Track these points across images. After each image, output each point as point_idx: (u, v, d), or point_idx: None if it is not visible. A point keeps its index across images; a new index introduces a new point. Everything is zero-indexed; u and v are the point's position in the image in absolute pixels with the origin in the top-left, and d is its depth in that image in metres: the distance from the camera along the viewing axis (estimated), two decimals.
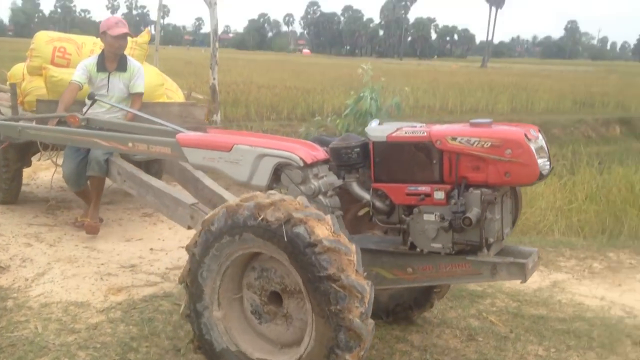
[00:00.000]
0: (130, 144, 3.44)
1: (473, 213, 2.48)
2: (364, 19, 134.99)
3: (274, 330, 2.63)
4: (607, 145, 14.58)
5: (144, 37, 5.62)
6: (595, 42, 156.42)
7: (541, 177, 2.47)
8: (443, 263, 2.61)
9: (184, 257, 4.45)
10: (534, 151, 2.43)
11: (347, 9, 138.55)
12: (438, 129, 2.68)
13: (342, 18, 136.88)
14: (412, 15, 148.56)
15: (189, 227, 3.46)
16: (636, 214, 6.67)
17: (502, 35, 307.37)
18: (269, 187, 2.85)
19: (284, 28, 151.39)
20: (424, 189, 2.66)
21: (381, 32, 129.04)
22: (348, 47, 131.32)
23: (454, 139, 2.60)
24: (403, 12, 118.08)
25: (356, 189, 2.86)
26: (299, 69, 31.36)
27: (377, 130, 2.80)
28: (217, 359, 2.62)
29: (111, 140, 3.57)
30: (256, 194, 2.49)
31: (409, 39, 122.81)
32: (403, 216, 2.69)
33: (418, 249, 2.63)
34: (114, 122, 4.38)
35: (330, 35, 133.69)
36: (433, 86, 23.02)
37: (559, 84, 28.48)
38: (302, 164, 2.77)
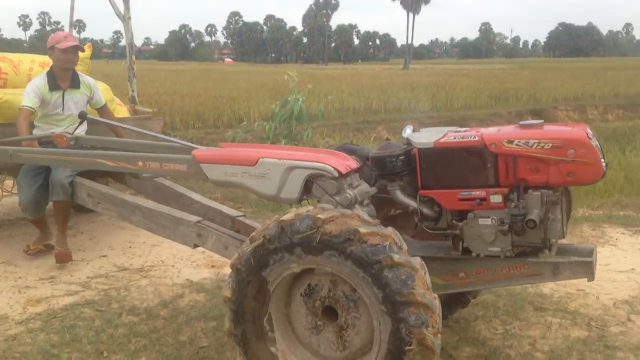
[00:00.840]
0: (140, 163, 3.27)
1: (535, 214, 2.47)
2: (287, 27, 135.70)
3: (324, 344, 2.54)
4: None
5: (86, 51, 5.44)
6: (508, 41, 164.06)
7: (604, 175, 2.48)
8: (500, 266, 2.58)
9: (105, 266, 4.49)
10: (597, 150, 2.43)
11: (269, 18, 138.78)
12: (491, 132, 2.65)
13: (264, 27, 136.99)
14: (334, 22, 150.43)
15: (196, 246, 3.31)
16: None
17: (421, 38, 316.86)
18: (300, 199, 2.81)
19: (207, 38, 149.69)
20: (479, 193, 2.61)
21: (305, 40, 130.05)
22: (273, 55, 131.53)
23: (510, 142, 2.56)
24: (325, 19, 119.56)
25: (400, 196, 2.80)
26: (223, 77, 31.15)
27: (422, 137, 2.75)
28: None
29: (119, 160, 3.41)
30: (310, 209, 2.41)
31: (332, 45, 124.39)
32: (454, 221, 2.64)
33: (473, 254, 2.61)
34: (106, 140, 4.14)
35: (254, 44, 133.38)
36: (357, 88, 23.49)
37: (475, 81, 29.67)
38: (336, 174, 2.69)
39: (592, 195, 6.84)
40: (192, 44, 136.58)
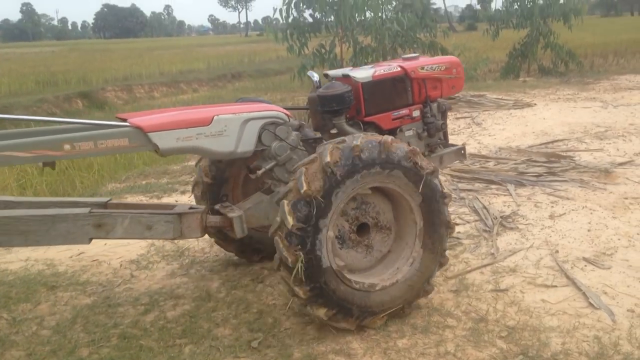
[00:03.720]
0: (67, 146, 2.60)
1: (439, 120, 3.69)
2: None
3: (350, 256, 3.02)
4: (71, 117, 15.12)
5: None
6: (55, 22, 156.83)
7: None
8: None
9: None
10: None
11: None
12: (407, 63, 3.59)
13: None
14: None
15: (90, 240, 2.81)
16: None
17: None
18: (254, 151, 3.02)
19: None
20: (405, 111, 3.60)
21: None
22: None
23: (422, 68, 3.61)
24: None
25: (346, 127, 3.37)
26: None
27: (361, 72, 3.46)
28: (320, 275, 2.78)
29: (38, 149, 2.57)
30: (365, 136, 2.84)
31: None
32: None
33: None
34: None
35: None
36: None
37: (20, 66, 27.66)
38: (286, 119, 3.11)
39: (118, 171, 7.29)
40: None
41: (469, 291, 3.35)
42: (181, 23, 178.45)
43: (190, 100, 17.19)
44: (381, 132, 3.44)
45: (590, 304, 3.12)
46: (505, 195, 5.01)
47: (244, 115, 2.96)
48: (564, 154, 6.12)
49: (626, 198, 4.71)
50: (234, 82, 24.43)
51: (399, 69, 3.53)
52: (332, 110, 3.31)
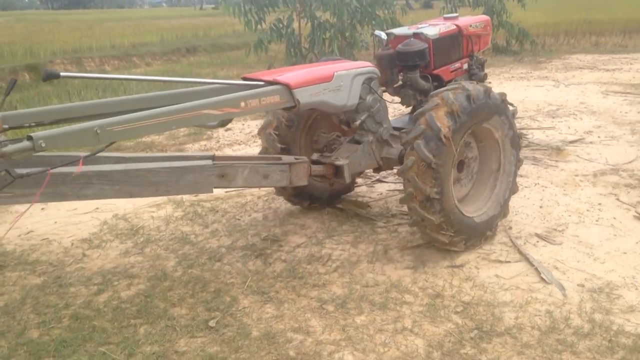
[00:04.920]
0: (243, 104, 2.93)
1: (482, 70, 4.40)
2: None
3: (456, 189, 3.47)
4: (19, 93, 14.45)
5: None
6: None
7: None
8: None
9: None
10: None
11: None
12: (458, 21, 4.26)
13: None
14: None
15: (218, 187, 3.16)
16: None
17: None
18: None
19: None
20: (458, 64, 4.23)
21: None
22: None
23: (471, 26, 4.29)
24: None
25: (420, 80, 3.91)
26: None
27: (430, 30, 3.97)
28: (447, 205, 3.27)
29: (223, 107, 2.85)
30: (470, 84, 3.38)
31: None
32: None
33: None
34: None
35: None
36: None
37: None
38: (379, 75, 3.58)
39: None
40: None
41: (426, 267, 3.39)
42: None
43: (143, 75, 16.70)
44: (442, 84, 3.98)
45: (542, 279, 3.20)
46: None
47: (353, 71, 3.40)
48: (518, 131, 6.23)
49: (577, 175, 4.84)
50: (189, 56, 23.83)
51: (455, 26, 4.18)
52: (412, 65, 3.84)
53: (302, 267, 3.44)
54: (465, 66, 4.30)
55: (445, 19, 4.32)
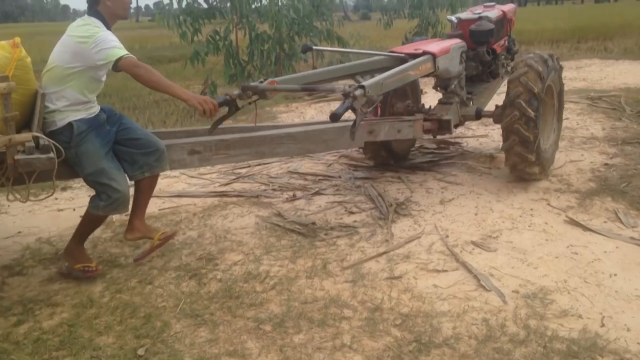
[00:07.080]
0: (421, 67, 4.02)
1: (516, 47, 5.84)
2: None
3: None
4: None
5: None
6: None
7: None
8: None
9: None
10: None
11: None
12: (503, 7, 5.55)
13: None
14: None
15: (367, 141, 4.22)
16: None
17: None
18: None
19: None
20: (504, 42, 5.59)
21: None
22: None
23: (511, 12, 5.63)
24: None
25: (485, 54, 5.11)
26: None
27: (492, 13, 5.23)
28: (540, 146, 4.42)
29: (415, 69, 3.97)
30: (535, 54, 4.55)
31: None
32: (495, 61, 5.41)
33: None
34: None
35: None
36: None
37: None
38: (466, 48, 4.79)
39: None
40: None
41: (365, 280, 3.35)
42: (65, 7, 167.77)
43: None
44: (497, 56, 5.32)
45: (480, 286, 3.21)
46: (398, 182, 5.09)
47: (460, 44, 4.60)
48: (453, 140, 6.34)
49: (509, 182, 4.94)
50: None
51: (501, 12, 5.46)
52: (483, 41, 4.98)
53: (238, 286, 3.33)
54: (505, 43, 5.62)
55: (485, 7, 5.50)
